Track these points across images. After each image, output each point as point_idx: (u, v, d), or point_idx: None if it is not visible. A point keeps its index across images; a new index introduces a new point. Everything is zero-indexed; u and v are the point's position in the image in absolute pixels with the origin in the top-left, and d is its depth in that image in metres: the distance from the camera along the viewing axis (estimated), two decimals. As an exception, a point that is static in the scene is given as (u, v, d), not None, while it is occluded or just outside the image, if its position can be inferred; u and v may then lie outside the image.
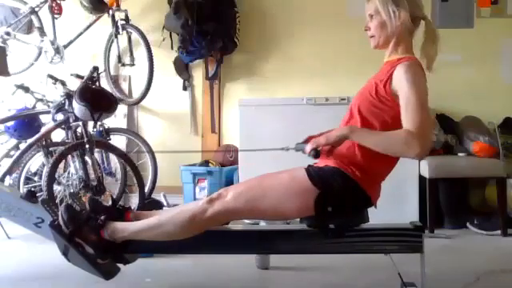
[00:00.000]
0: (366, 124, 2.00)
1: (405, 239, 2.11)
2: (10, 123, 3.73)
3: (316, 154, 1.98)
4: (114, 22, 4.25)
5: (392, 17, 2.02)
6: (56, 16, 4.36)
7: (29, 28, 4.53)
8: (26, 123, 3.75)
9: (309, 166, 2.09)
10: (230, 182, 3.90)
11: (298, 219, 2.13)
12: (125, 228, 2.10)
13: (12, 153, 3.77)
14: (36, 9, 4.38)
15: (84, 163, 3.40)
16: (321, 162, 2.09)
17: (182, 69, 4.55)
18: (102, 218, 2.11)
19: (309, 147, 1.99)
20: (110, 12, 4.25)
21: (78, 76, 3.69)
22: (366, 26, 2.10)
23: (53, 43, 4.34)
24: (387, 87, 1.98)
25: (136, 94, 4.45)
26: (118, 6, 4.26)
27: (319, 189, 1.96)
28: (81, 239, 2.09)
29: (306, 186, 1.97)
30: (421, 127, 1.83)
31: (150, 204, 3.48)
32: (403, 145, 1.84)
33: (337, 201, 1.98)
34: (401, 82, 1.93)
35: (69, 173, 3.52)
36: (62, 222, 2.11)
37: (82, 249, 2.08)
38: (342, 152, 2.00)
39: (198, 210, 2.00)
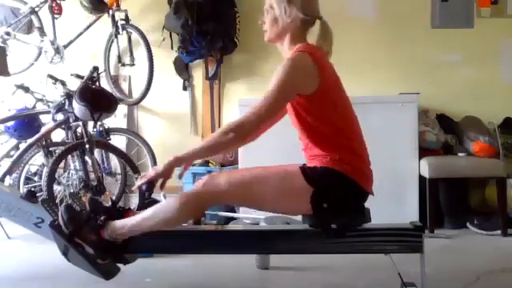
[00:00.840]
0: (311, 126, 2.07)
1: (405, 239, 2.11)
2: (10, 123, 3.74)
3: (146, 188, 2.00)
4: (114, 22, 4.25)
5: (283, 13, 2.10)
6: (56, 16, 4.36)
7: (29, 28, 4.53)
8: (26, 123, 3.75)
9: (303, 164, 2.11)
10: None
11: (301, 219, 2.13)
12: (123, 224, 2.10)
13: (12, 153, 3.77)
14: (36, 9, 4.38)
15: (84, 163, 3.41)
16: (309, 164, 2.11)
17: (182, 69, 4.55)
18: (102, 218, 2.11)
19: (139, 182, 2.03)
20: (110, 12, 4.25)
21: (78, 76, 3.70)
22: (262, 21, 2.19)
23: (53, 43, 4.34)
24: None
25: (136, 94, 4.45)
26: (118, 5, 4.26)
27: (313, 187, 1.99)
28: (81, 239, 2.09)
29: (302, 185, 2.00)
30: (246, 116, 1.95)
31: (149, 204, 3.47)
32: (221, 135, 1.96)
33: (331, 196, 2.00)
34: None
35: (69, 173, 3.52)
36: (61, 223, 2.11)
37: (81, 249, 2.08)
38: (319, 154, 2.05)
39: (192, 193, 2.04)
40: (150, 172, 2.04)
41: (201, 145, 2.05)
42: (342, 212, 2.04)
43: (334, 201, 2.01)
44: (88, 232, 2.10)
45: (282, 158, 3.76)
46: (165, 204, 2.08)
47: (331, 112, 2.05)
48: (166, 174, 2.01)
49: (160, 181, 2.03)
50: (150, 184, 2.00)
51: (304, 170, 2.04)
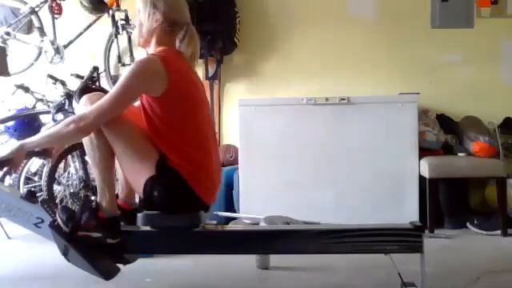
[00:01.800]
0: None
1: (405, 239, 2.11)
2: (10, 123, 3.74)
3: None
4: (114, 22, 4.25)
5: (147, 18, 2.16)
6: (56, 16, 4.36)
7: (29, 28, 4.53)
8: (26, 123, 3.75)
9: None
10: (229, 181, 3.90)
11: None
12: (99, 186, 2.13)
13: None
14: (36, 9, 4.38)
15: (84, 163, 3.40)
16: None
17: (182, 69, 4.54)
18: (94, 203, 2.13)
19: None
20: (110, 12, 4.25)
21: (78, 76, 3.70)
22: (133, 24, 2.23)
23: (53, 43, 4.34)
24: None
25: (136, 94, 4.44)
26: (118, 5, 4.25)
27: (156, 172, 2.03)
28: (83, 231, 2.09)
29: (151, 163, 2.04)
30: (89, 111, 2.00)
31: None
32: (63, 126, 2.00)
33: (164, 190, 2.05)
34: None
35: (69, 173, 3.52)
36: (61, 222, 2.11)
37: (87, 241, 2.08)
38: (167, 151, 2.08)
39: (91, 127, 2.04)
40: None
41: (45, 133, 2.10)
42: (172, 211, 2.10)
43: (166, 195, 2.05)
44: (87, 221, 2.10)
45: (282, 158, 3.78)
46: (88, 143, 2.10)
47: (179, 117, 2.08)
48: (12, 160, 2.05)
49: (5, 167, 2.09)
50: None
51: (160, 153, 2.06)
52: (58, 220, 2.12)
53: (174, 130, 2.08)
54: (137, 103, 2.19)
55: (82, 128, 1.99)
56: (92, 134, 2.06)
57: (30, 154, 2.13)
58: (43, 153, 2.21)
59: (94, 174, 2.17)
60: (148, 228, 2.25)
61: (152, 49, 2.19)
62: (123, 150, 2.07)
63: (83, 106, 2.08)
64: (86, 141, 2.10)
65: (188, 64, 2.21)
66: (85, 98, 2.12)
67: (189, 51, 2.21)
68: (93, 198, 2.24)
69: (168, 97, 2.05)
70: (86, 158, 3.40)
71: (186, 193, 2.07)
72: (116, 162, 2.18)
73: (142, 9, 2.17)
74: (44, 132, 2.12)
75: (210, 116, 2.27)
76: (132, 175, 2.12)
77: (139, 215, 2.15)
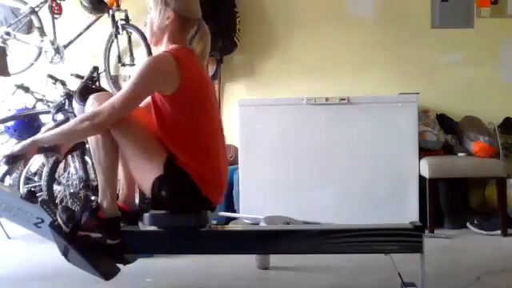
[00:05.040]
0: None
1: (405, 239, 2.11)
2: (10, 123, 3.74)
3: (6, 161, 2.07)
4: (114, 22, 4.25)
5: (159, 15, 2.13)
6: (56, 16, 4.37)
7: (29, 28, 4.53)
8: (26, 123, 3.76)
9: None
10: (229, 181, 3.89)
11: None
12: (101, 185, 2.13)
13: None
14: (36, 9, 4.38)
15: (84, 163, 3.41)
16: None
17: (182, 69, 4.54)
18: (94, 203, 2.14)
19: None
20: (110, 12, 4.25)
21: (78, 76, 3.70)
22: (144, 22, 2.23)
23: (53, 43, 4.34)
24: None
25: (136, 94, 4.44)
26: (118, 5, 4.26)
27: (164, 171, 2.03)
28: (84, 231, 2.09)
29: (159, 163, 2.04)
30: (102, 108, 2.00)
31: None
32: (77, 123, 2.01)
33: (172, 190, 2.05)
34: None
35: (69, 173, 3.52)
36: (61, 222, 2.11)
37: (87, 242, 2.08)
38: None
39: (102, 126, 2.03)
40: (10, 150, 2.08)
41: (57, 130, 2.09)
42: (179, 211, 2.10)
43: (173, 195, 2.05)
44: (87, 221, 2.11)
45: (282, 158, 3.79)
46: (93, 142, 2.11)
47: (189, 116, 2.07)
48: (24, 155, 2.05)
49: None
50: (8, 160, 2.06)
51: (169, 153, 2.06)
52: (59, 220, 2.13)
53: (184, 129, 2.08)
54: (146, 100, 2.16)
55: (96, 124, 1.99)
56: (98, 134, 2.06)
57: (40, 149, 2.11)
58: (53, 149, 2.19)
59: (97, 173, 2.16)
60: (148, 228, 2.26)
61: (164, 47, 2.17)
62: (131, 149, 2.07)
63: (90, 106, 2.08)
64: (91, 140, 2.10)
65: (200, 62, 2.19)
66: (92, 97, 2.12)
67: (199, 48, 2.19)
68: (93, 197, 2.24)
69: (179, 95, 2.04)
70: (86, 158, 3.41)
71: (193, 193, 2.07)
72: (120, 162, 2.17)
73: (153, 6, 2.15)
74: (56, 129, 2.10)
75: (219, 116, 2.25)
76: (140, 174, 2.11)
77: (146, 215, 2.15)
